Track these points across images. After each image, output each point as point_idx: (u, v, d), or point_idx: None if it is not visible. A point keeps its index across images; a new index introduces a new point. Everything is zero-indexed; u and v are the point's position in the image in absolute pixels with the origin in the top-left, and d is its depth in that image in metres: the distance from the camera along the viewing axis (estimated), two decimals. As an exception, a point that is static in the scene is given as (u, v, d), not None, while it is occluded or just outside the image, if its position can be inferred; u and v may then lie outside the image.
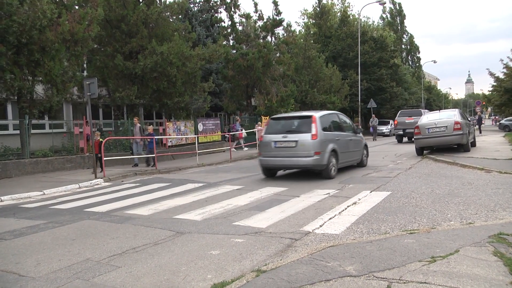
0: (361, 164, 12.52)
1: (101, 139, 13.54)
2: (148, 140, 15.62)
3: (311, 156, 9.99)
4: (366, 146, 12.99)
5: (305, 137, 10.12)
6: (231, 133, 23.15)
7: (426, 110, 27.88)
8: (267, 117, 27.12)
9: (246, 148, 23.27)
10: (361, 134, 12.89)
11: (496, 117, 69.75)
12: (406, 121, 23.50)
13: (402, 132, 23.50)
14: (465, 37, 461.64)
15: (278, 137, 10.51)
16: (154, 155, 15.01)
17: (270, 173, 11.31)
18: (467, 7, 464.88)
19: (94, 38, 15.46)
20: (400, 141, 23.99)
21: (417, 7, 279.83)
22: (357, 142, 12.24)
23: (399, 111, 26.56)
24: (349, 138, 11.66)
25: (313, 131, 10.11)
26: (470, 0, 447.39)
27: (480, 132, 30.06)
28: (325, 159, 10.11)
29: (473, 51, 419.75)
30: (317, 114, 10.56)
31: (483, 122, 37.35)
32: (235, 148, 22.58)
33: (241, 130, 23.56)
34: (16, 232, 6.14)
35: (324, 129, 10.50)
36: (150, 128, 16.08)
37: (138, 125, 15.83)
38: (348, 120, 12.68)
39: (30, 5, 12.28)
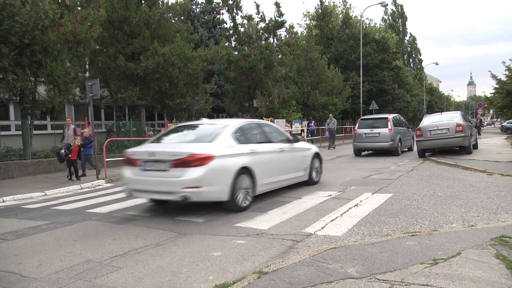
0: (410, 149, 18.64)
1: (80, 143, 12.68)
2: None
3: (388, 142, 16.33)
4: (413, 137, 18.47)
5: (384, 130, 16.43)
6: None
7: None
8: (270, 118, 27.19)
9: None
10: (410, 129, 19.17)
11: (499, 120, 69.34)
12: None
13: None
14: (465, 39, 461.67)
15: (367, 130, 16.89)
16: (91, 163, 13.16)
17: (359, 153, 17.52)
18: (467, 9, 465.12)
19: (96, 39, 15.50)
20: None
21: (416, 9, 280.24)
22: (409, 134, 18.59)
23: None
24: (405, 131, 17.91)
25: (389, 126, 16.44)
26: (469, 3, 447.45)
27: (479, 135, 29.97)
28: (395, 144, 16.41)
29: (474, 53, 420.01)
30: (390, 116, 17.04)
31: (483, 124, 37.29)
32: None
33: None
34: (18, 233, 6.15)
35: (394, 125, 16.64)
36: (87, 131, 13.22)
37: (72, 126, 13.15)
38: (403, 119, 19.27)
39: (32, 5, 12.32)
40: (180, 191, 6.39)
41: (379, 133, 16.38)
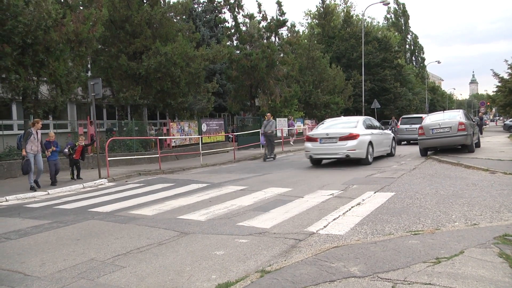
0: None
1: (84, 144, 12.78)
2: (49, 151, 11.49)
3: None
4: None
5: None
6: (288, 128, 27.09)
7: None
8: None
9: (292, 144, 26.30)
10: None
11: (502, 118, 68.97)
12: None
13: None
14: (465, 38, 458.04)
15: (407, 126, 22.01)
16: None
17: (401, 143, 21.80)
18: (466, 8, 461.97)
19: (98, 38, 15.50)
20: None
21: (416, 8, 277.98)
22: None
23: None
24: None
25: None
26: (468, 2, 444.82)
27: (481, 133, 29.87)
28: None
29: (475, 52, 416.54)
30: (424, 115, 20.32)
31: (486, 122, 37.11)
32: (292, 142, 26.47)
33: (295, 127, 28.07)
34: (21, 232, 6.17)
35: None
36: (51, 134, 11.98)
37: (40, 132, 11.19)
38: None
39: (35, 5, 12.34)
40: (345, 152, 12.55)
41: (417, 127, 20.66)
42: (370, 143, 13.04)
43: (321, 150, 13.09)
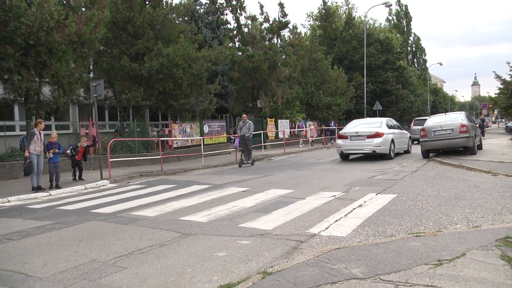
0: None
1: (86, 145, 12.90)
2: (51, 153, 11.21)
3: None
4: None
5: None
6: (296, 129, 28.39)
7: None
8: (272, 119, 27.23)
9: (302, 145, 26.75)
10: None
11: (504, 120, 68.83)
12: None
13: None
14: (466, 40, 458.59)
15: (419, 127, 20.53)
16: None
17: (413, 142, 20.77)
18: (467, 10, 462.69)
19: (100, 39, 15.54)
20: None
21: (417, 10, 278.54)
22: None
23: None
24: None
25: None
26: (469, 4, 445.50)
27: (483, 135, 29.81)
28: None
29: (477, 54, 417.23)
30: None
31: (488, 125, 36.99)
32: (301, 144, 27.30)
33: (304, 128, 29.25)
34: (23, 233, 6.18)
35: None
36: (54, 135, 11.51)
37: (42, 132, 10.84)
38: None
39: (37, 6, 12.38)
40: (371, 148, 14.37)
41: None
42: (392, 141, 14.91)
43: (351, 146, 14.89)
